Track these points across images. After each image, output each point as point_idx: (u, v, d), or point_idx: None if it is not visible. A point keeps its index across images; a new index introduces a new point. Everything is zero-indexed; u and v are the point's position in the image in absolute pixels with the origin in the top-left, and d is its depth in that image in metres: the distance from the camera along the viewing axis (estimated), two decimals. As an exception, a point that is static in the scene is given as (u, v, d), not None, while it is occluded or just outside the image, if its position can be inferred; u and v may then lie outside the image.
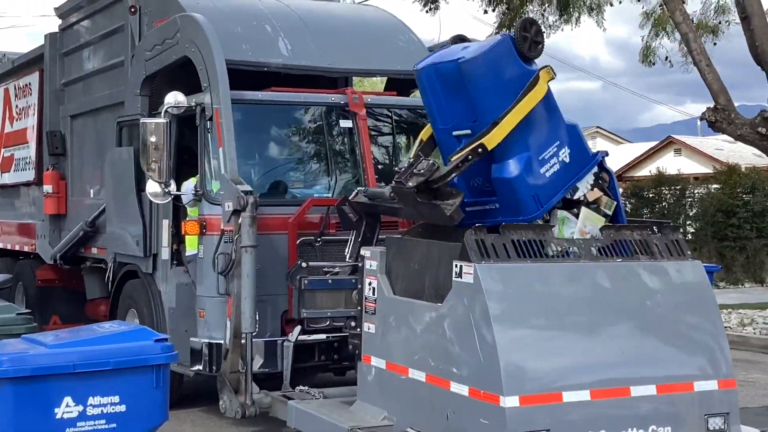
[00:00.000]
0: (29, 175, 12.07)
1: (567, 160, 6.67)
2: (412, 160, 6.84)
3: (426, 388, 6.46)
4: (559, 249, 6.45)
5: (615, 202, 6.91)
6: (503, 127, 6.42)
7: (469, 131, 6.60)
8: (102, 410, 4.78)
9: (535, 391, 5.98)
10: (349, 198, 7.91)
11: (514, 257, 6.31)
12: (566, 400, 6.02)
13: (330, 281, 7.59)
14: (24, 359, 4.70)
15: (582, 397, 6.05)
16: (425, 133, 7.23)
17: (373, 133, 9.22)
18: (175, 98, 8.16)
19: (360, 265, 7.25)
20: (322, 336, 8.03)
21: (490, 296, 6.04)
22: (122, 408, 4.83)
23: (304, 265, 7.58)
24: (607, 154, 6.99)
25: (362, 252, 7.26)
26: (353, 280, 7.41)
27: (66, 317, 10.97)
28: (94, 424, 4.77)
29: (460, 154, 6.47)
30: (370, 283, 7.12)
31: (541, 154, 6.59)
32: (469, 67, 6.48)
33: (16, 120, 12.70)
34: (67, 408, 4.71)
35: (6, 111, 13.00)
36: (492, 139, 6.42)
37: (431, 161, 6.56)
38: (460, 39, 7.20)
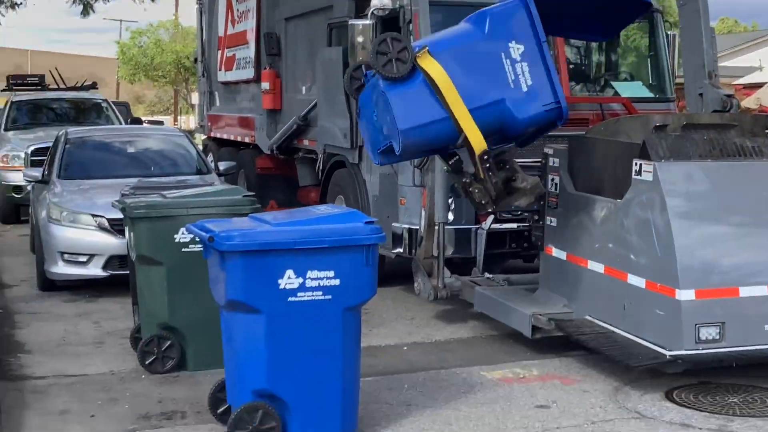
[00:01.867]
0: (249, 73, 12.49)
1: (520, 55, 6.18)
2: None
3: (604, 279, 6.46)
4: (740, 147, 6.21)
5: None
6: (463, 121, 6.04)
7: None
8: (319, 283, 4.98)
9: (711, 285, 5.89)
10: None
11: (694, 156, 6.13)
12: (743, 294, 5.91)
13: None
14: (252, 235, 4.94)
15: (759, 292, 5.93)
16: None
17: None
18: (380, 1, 8.23)
19: (543, 162, 7.22)
20: (513, 225, 8.08)
21: (669, 194, 5.95)
22: (336, 282, 5.01)
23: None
24: None
25: (546, 150, 7.22)
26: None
27: (281, 202, 11.45)
28: (312, 295, 4.98)
29: (479, 171, 6.24)
30: (552, 179, 7.11)
31: (511, 81, 6.16)
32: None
33: (237, 22, 13.08)
34: (288, 280, 4.94)
35: (228, 14, 13.42)
36: (475, 141, 6.13)
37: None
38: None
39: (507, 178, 6.47)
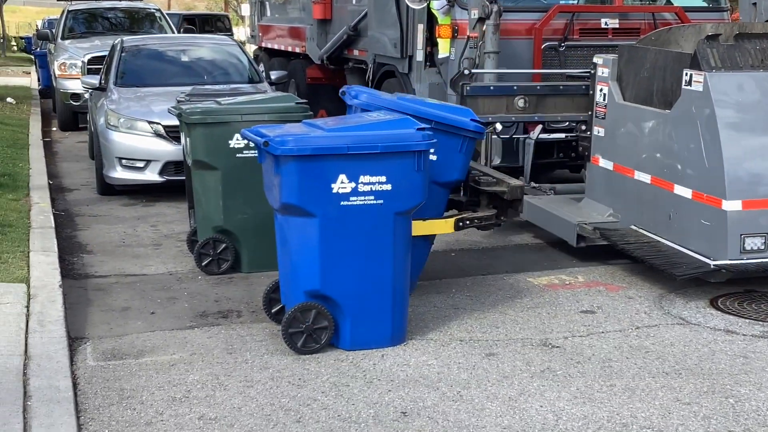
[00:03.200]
0: (299, -18, 12.31)
1: None
2: None
3: (650, 189, 6.40)
4: None
5: None
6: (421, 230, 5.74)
7: None
8: (371, 188, 4.95)
9: (758, 196, 5.82)
10: None
11: (745, 66, 5.97)
12: (790, 205, 5.79)
13: (491, 88, 7.37)
14: (305, 140, 4.90)
15: (807, 203, 5.79)
16: None
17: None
18: None
19: (592, 72, 7.07)
20: (561, 135, 7.97)
21: (719, 104, 5.82)
22: (388, 187, 4.98)
23: (466, 72, 7.40)
24: None
25: (595, 60, 7.08)
26: (515, 87, 7.22)
27: (331, 112, 11.39)
28: (364, 200, 4.96)
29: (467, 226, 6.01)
30: (601, 90, 6.99)
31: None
32: None
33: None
34: (341, 184, 4.92)
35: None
36: (443, 230, 5.87)
37: None
38: None
39: (489, 196, 6.11)
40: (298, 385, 4.67)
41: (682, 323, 5.58)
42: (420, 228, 5.67)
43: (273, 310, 5.51)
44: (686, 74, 6.03)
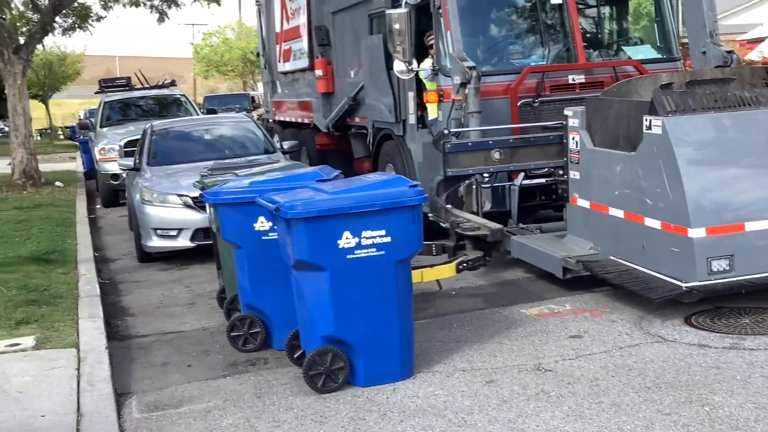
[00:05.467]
0: (304, 62, 12.48)
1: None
2: None
3: (624, 223, 6.42)
4: (740, 98, 6.09)
5: None
6: None
7: None
8: (373, 241, 4.99)
9: (720, 222, 5.83)
10: None
11: (698, 109, 6.03)
12: (748, 229, 5.84)
13: (470, 144, 7.33)
14: (312, 203, 4.96)
15: (762, 226, 5.85)
16: None
17: (580, 7, 8.87)
18: (412, -10, 8.15)
19: (564, 123, 7.14)
20: (542, 180, 8.00)
21: (677, 144, 5.88)
22: (388, 239, 5.02)
23: (446, 131, 7.43)
24: None
25: (566, 112, 7.14)
26: (490, 142, 7.26)
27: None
28: (368, 252, 5.00)
29: None
30: (573, 138, 7.04)
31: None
32: None
33: (291, 18, 13.06)
34: (346, 240, 4.97)
35: (283, 12, 13.40)
36: None
37: None
38: None
39: (474, 239, 6.37)
40: (320, 422, 4.67)
41: (660, 341, 5.56)
42: (430, 274, 6.14)
43: (295, 356, 5.52)
44: (646, 120, 6.09)
